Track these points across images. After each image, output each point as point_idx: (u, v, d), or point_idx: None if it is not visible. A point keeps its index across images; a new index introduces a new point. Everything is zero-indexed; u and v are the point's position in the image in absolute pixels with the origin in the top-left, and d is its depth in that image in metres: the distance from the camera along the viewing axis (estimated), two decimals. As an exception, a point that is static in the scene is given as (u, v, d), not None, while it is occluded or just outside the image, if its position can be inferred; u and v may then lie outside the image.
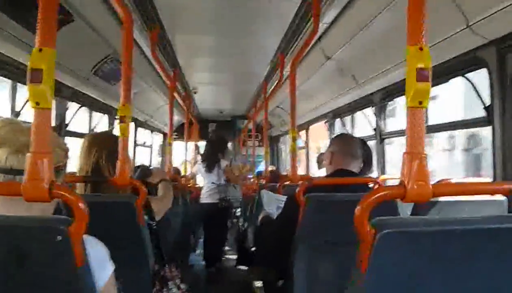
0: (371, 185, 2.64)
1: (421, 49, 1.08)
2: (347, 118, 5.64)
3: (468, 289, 1.10)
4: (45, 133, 1.12)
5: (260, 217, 3.07)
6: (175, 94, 5.72)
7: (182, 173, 6.82)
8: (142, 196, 2.02)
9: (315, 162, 6.38)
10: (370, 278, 1.05)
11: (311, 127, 7.27)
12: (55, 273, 1.12)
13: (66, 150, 1.39)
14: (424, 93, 1.07)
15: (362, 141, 2.84)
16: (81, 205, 1.10)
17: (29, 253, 1.10)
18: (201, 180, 6.32)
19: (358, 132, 5.42)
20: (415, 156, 1.07)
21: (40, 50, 1.12)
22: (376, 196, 1.07)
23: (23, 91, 3.35)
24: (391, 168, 4.69)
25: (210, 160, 5.87)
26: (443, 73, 2.90)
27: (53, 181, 1.11)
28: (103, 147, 2.19)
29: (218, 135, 6.95)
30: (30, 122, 1.30)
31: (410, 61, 1.08)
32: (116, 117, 5.45)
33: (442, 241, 1.09)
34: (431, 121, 3.45)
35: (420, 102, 1.07)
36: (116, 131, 5.10)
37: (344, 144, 2.51)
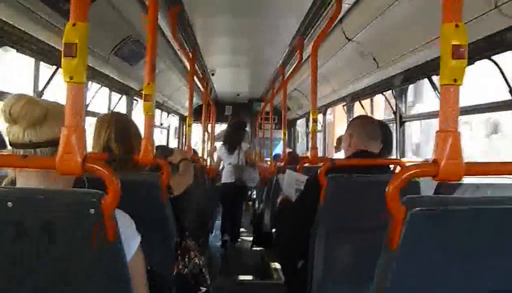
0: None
1: (457, 26, 1.06)
2: (366, 101, 5.60)
3: (499, 266, 1.11)
4: (78, 108, 1.13)
5: (279, 199, 3.07)
6: (194, 77, 5.72)
7: (200, 154, 6.85)
8: (166, 174, 2.04)
9: (333, 145, 6.37)
10: (401, 255, 1.05)
11: (337, 108, 7.24)
12: (87, 247, 1.14)
13: None
14: (459, 70, 1.05)
15: (381, 123, 2.82)
16: (113, 178, 1.11)
17: (60, 226, 1.12)
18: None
19: (377, 116, 5.39)
20: (448, 134, 1.06)
21: (74, 24, 1.12)
22: (408, 173, 1.06)
23: (46, 71, 3.39)
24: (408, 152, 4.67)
25: (232, 143, 6.31)
26: (470, 55, 2.85)
27: (86, 155, 1.13)
28: (113, 125, 2.20)
29: (238, 119, 7.37)
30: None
31: (446, 38, 1.06)
32: (135, 98, 5.49)
33: (473, 220, 1.09)
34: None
35: (455, 80, 1.06)
36: (135, 112, 5.16)
37: (363, 125, 2.49)
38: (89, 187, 1.23)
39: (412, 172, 1.07)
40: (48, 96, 3.37)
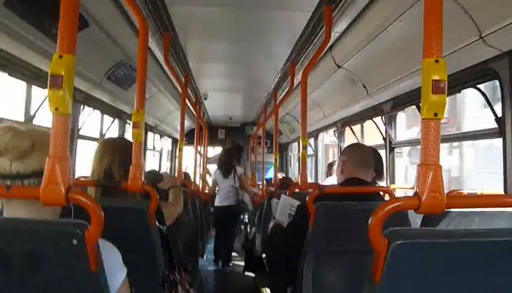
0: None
1: (437, 61, 1.08)
2: (357, 127, 5.64)
3: None
4: (63, 138, 1.14)
5: (270, 225, 3.07)
6: (186, 100, 5.76)
7: (192, 178, 6.85)
8: (154, 202, 2.03)
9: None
10: (384, 288, 1.05)
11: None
12: (70, 277, 1.13)
13: None
14: (439, 105, 1.07)
15: (373, 150, 2.84)
16: (97, 209, 1.11)
17: (44, 257, 1.11)
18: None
19: (368, 142, 5.42)
20: (429, 168, 1.07)
21: (61, 56, 1.14)
22: (390, 207, 1.07)
23: (37, 95, 3.39)
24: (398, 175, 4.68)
25: (227, 167, 6.39)
26: (455, 84, 2.90)
27: (70, 185, 1.13)
28: (116, 152, 2.20)
29: (234, 143, 7.60)
30: (35, 125, 1.31)
31: (426, 73, 1.08)
32: (128, 121, 5.50)
33: (456, 253, 1.09)
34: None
35: (436, 114, 1.08)
36: (128, 135, 5.17)
37: (357, 153, 2.52)
38: (76, 215, 1.22)
39: (394, 205, 1.08)
40: (39, 119, 3.37)
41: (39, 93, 3.40)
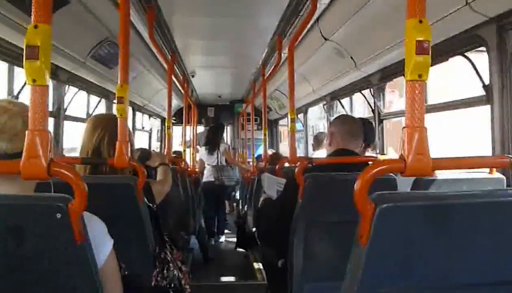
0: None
1: (420, 21, 1.06)
2: (346, 100, 5.63)
3: (468, 262, 1.11)
4: (42, 110, 1.11)
5: (261, 200, 3.08)
6: (173, 79, 5.70)
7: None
8: (141, 178, 2.01)
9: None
10: (370, 252, 1.05)
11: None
12: (56, 251, 1.12)
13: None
14: (424, 66, 1.06)
15: (363, 121, 2.84)
16: (79, 182, 1.09)
17: (28, 231, 1.10)
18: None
19: (356, 114, 5.41)
20: (415, 130, 1.06)
21: (36, 26, 1.10)
22: (375, 170, 1.06)
23: (21, 74, 3.34)
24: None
25: (212, 144, 6.83)
26: (443, 52, 2.88)
27: (51, 159, 1.11)
28: (106, 128, 2.18)
29: (217, 122, 7.96)
30: (24, 104, 1.29)
31: (409, 33, 1.07)
32: (114, 101, 5.44)
33: (441, 215, 1.09)
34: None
35: (420, 75, 1.06)
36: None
37: (344, 124, 2.52)
38: (57, 191, 1.20)
39: (379, 168, 1.07)
40: (22, 100, 3.32)
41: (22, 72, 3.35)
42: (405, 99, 1.09)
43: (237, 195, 8.42)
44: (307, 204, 2.18)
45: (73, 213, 1.08)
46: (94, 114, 4.97)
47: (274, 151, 8.05)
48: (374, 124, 4.38)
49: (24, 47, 1.09)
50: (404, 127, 1.08)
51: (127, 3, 2.35)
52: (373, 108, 4.48)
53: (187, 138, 8.24)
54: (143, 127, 8.32)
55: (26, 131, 1.11)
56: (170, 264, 2.22)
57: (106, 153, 2.15)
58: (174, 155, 6.14)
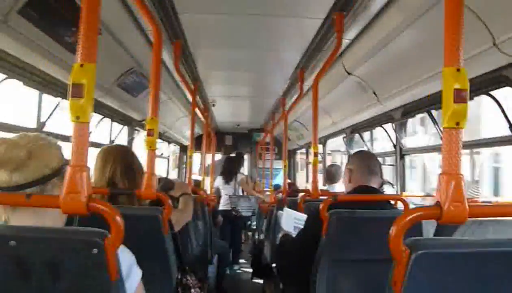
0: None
1: (458, 70, 1.08)
2: (366, 134, 5.63)
3: None
4: (83, 146, 1.14)
5: (279, 235, 3.06)
6: (195, 107, 5.77)
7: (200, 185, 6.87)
8: (167, 209, 2.03)
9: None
10: None
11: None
12: (90, 286, 1.13)
13: (59, 148, 1.37)
14: (461, 114, 1.07)
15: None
16: (118, 218, 1.11)
17: (64, 265, 1.11)
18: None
19: (377, 149, 5.39)
20: (451, 177, 1.07)
21: (82, 65, 1.14)
22: (412, 216, 1.07)
23: (48, 102, 3.42)
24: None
25: (228, 174, 6.90)
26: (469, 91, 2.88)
27: (90, 194, 1.13)
28: (118, 160, 2.21)
29: (235, 150, 8.11)
30: (27, 133, 1.31)
31: (447, 81, 1.08)
32: (136, 128, 5.52)
33: (478, 263, 1.08)
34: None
35: (457, 123, 1.07)
36: (136, 141, 5.18)
37: (363, 160, 2.50)
38: (81, 222, 1.22)
39: (416, 214, 1.07)
40: (49, 127, 3.40)
41: (49, 101, 3.43)
42: (442, 146, 1.10)
43: (253, 225, 8.38)
44: (332, 240, 2.17)
45: (109, 248, 1.10)
46: (116, 141, 5.05)
47: (290, 181, 8.03)
48: (395, 159, 4.36)
49: (70, 85, 1.13)
50: (440, 173, 1.09)
51: (159, 37, 2.41)
52: (395, 143, 4.47)
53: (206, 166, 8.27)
54: (162, 154, 8.38)
55: (67, 167, 1.13)
56: (192, 290, 2.23)
57: (121, 185, 2.18)
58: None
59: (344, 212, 2.18)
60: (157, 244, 2.03)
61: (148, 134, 2.22)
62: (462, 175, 1.08)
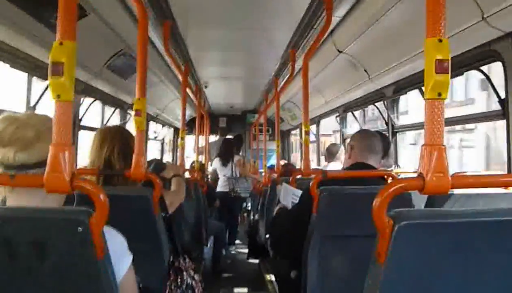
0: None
1: (440, 40, 1.07)
2: (358, 112, 5.63)
3: (487, 281, 1.11)
4: (66, 125, 1.13)
5: (276, 208, 3.08)
6: (187, 89, 5.74)
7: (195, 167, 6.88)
8: (157, 190, 2.03)
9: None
10: (388, 270, 1.06)
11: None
12: (76, 264, 1.14)
13: None
14: (443, 84, 1.06)
15: (382, 136, 2.85)
16: (101, 196, 1.11)
17: (50, 244, 1.12)
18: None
19: (368, 126, 5.39)
20: (434, 148, 1.07)
21: (61, 43, 1.13)
22: (394, 187, 1.07)
23: (38, 85, 3.39)
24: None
25: (226, 156, 6.95)
26: (458, 66, 2.88)
27: (74, 173, 1.13)
28: (115, 141, 2.21)
29: (235, 134, 8.31)
30: (37, 114, 1.31)
31: (429, 52, 1.07)
32: (129, 111, 5.50)
33: (460, 233, 1.09)
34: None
35: (439, 94, 1.07)
36: (129, 125, 5.17)
37: (364, 138, 2.54)
38: (80, 203, 1.22)
39: (398, 186, 1.08)
40: (40, 110, 3.37)
41: (40, 84, 3.40)
42: (424, 117, 1.09)
43: (248, 206, 8.42)
44: (322, 217, 2.18)
45: (94, 227, 1.10)
46: (108, 124, 5.03)
47: (285, 161, 8.05)
48: (388, 136, 4.37)
49: (49, 64, 1.12)
50: (423, 145, 1.09)
51: (145, 17, 2.38)
52: (387, 120, 4.47)
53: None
54: (155, 137, 8.37)
55: (50, 146, 1.13)
56: (184, 273, 2.24)
57: (118, 165, 2.18)
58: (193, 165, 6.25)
59: (334, 188, 2.19)
60: (148, 225, 2.04)
61: (136, 115, 2.21)
62: (444, 146, 1.08)
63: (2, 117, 1.26)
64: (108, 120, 5.19)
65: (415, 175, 1.11)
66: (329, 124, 7.72)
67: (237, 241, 7.27)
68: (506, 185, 1.24)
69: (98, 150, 2.20)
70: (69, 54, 1.12)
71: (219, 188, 6.91)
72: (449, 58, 1.07)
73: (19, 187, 1.22)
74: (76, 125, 4.09)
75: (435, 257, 1.09)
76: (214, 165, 7.20)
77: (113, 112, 5.28)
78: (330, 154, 5.20)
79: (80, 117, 4.18)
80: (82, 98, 4.17)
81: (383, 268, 1.06)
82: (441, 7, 1.08)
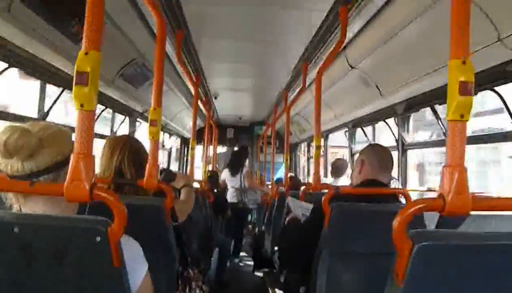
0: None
1: (464, 62, 1.08)
2: (368, 128, 5.62)
3: None
4: (88, 135, 1.14)
5: (288, 218, 3.05)
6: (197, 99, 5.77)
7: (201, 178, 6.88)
8: (169, 200, 2.04)
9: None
10: (407, 290, 1.05)
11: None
12: (93, 273, 1.14)
13: (70, 135, 1.36)
14: (466, 106, 1.07)
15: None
16: (121, 206, 1.12)
17: (68, 252, 1.12)
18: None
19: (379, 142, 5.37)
20: (455, 169, 1.07)
21: (86, 53, 1.14)
22: (415, 207, 1.07)
23: (51, 92, 3.42)
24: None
25: (235, 167, 6.91)
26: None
27: (94, 182, 1.13)
28: (126, 150, 2.21)
29: (236, 143, 7.61)
30: (37, 122, 1.31)
31: (453, 74, 1.08)
32: (138, 119, 5.52)
33: (480, 255, 1.08)
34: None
35: (462, 116, 1.07)
36: (138, 133, 5.18)
37: (377, 154, 2.47)
38: (91, 212, 1.23)
39: (420, 206, 1.08)
40: (52, 117, 3.40)
41: (52, 91, 3.43)
42: (446, 138, 1.09)
43: (254, 218, 8.40)
44: (333, 232, 2.17)
45: (112, 236, 1.10)
46: (118, 132, 5.06)
47: (292, 174, 8.05)
48: (397, 154, 4.36)
49: (75, 73, 1.13)
50: (444, 166, 1.09)
51: (163, 27, 2.40)
52: (397, 138, 4.46)
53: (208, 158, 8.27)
54: (163, 146, 8.39)
55: (72, 154, 1.14)
56: (193, 283, 2.23)
57: (128, 175, 2.18)
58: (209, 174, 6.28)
59: (346, 205, 2.18)
60: (160, 235, 2.03)
61: (151, 125, 2.22)
62: (465, 167, 1.08)
63: (3, 129, 1.25)
64: (118, 128, 5.21)
65: (426, 193, 1.11)
66: (338, 139, 7.70)
67: (242, 253, 7.25)
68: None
69: (109, 159, 2.20)
70: (94, 64, 1.14)
71: (228, 199, 6.87)
72: (473, 80, 1.07)
73: (39, 195, 1.22)
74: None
75: (453, 279, 1.09)
76: (223, 175, 7.17)
77: (123, 120, 5.31)
78: (336, 169, 5.19)
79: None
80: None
81: (401, 289, 1.05)
82: (465, 29, 1.09)
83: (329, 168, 5.78)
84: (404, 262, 1.05)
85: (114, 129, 5.18)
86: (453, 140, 1.07)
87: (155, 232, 2.00)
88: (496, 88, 2.82)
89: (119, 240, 1.13)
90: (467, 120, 1.08)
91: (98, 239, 1.10)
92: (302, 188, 3.44)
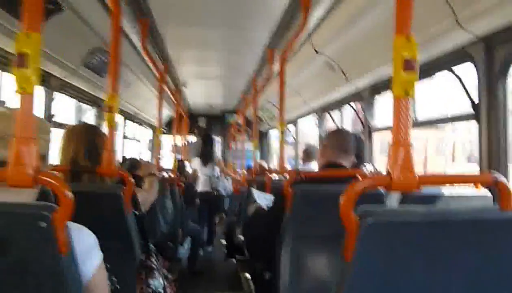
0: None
1: (408, 39, 1.08)
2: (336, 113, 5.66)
3: (452, 279, 1.11)
4: (29, 118, 1.11)
5: (251, 209, 3.07)
6: (165, 88, 5.71)
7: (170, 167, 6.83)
8: (129, 187, 2.00)
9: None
10: (355, 266, 1.05)
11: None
12: (39, 261, 1.10)
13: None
14: (410, 82, 1.07)
15: (355, 136, 2.85)
16: (65, 191, 1.09)
17: (12, 239, 1.09)
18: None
19: (346, 127, 5.42)
20: (401, 146, 1.07)
21: (27, 35, 1.11)
22: (361, 185, 1.07)
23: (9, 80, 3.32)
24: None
25: (206, 155, 6.83)
26: (431, 67, 2.91)
27: (37, 167, 1.10)
28: (82, 140, 2.13)
29: (204, 134, 7.72)
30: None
31: (397, 50, 1.08)
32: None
33: (426, 232, 1.09)
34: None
35: (406, 92, 1.08)
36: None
37: (337, 138, 2.52)
38: (53, 201, 1.19)
39: (367, 183, 1.08)
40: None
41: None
42: (392, 115, 1.10)
43: (226, 206, 8.40)
44: (295, 217, 2.18)
45: (57, 222, 1.07)
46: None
47: (262, 162, 8.05)
48: (364, 137, 4.40)
49: (15, 55, 1.10)
50: (390, 143, 1.10)
51: (119, 11, 2.36)
52: (363, 122, 4.50)
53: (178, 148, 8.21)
54: (134, 137, 8.29)
55: (13, 139, 1.10)
56: (155, 272, 2.22)
57: (84, 163, 2.12)
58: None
59: (306, 187, 2.19)
60: (119, 223, 2.00)
61: (108, 111, 2.18)
62: (411, 144, 1.08)
63: None
64: (83, 118, 5.12)
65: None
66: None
67: (215, 242, 7.24)
68: (472, 182, 1.25)
69: (64, 149, 2.12)
70: (34, 46, 1.10)
71: (200, 188, 6.85)
72: (416, 57, 1.08)
73: None
74: (50, 122, 4.01)
75: (402, 256, 1.09)
76: (194, 165, 7.12)
77: (90, 110, 5.22)
78: (306, 154, 5.22)
79: (53, 113, 4.10)
80: (56, 95, 4.09)
81: (350, 265, 1.06)
82: (409, 5, 1.09)
83: (300, 155, 5.81)
84: (353, 240, 1.05)
85: (81, 119, 5.08)
86: (398, 117, 1.08)
87: (114, 220, 1.97)
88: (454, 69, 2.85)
89: (66, 226, 1.10)
90: (411, 97, 1.08)
91: (43, 224, 1.07)
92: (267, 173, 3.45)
